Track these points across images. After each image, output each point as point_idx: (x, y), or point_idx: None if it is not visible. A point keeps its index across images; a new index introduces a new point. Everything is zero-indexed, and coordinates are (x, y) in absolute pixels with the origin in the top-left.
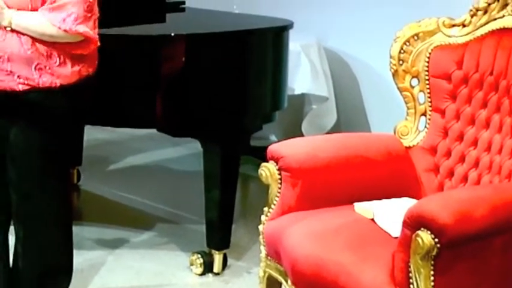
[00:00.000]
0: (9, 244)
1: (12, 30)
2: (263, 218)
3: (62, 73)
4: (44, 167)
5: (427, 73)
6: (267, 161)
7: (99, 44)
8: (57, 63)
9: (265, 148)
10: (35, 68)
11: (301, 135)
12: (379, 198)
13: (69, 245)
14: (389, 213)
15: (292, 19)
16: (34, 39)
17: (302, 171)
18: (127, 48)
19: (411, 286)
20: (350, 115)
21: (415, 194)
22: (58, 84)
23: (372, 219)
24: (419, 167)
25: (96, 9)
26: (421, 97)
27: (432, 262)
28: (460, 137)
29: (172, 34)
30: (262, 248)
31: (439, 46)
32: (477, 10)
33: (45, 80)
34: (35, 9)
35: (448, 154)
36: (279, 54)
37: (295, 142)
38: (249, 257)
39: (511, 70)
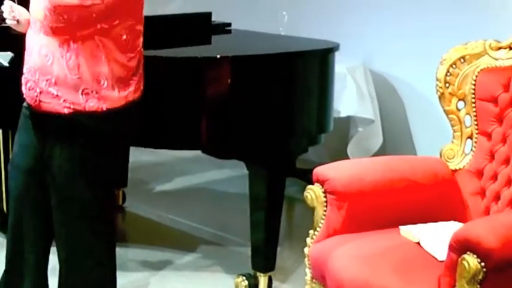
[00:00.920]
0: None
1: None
2: (308, 240)
3: (109, 97)
4: (85, 191)
5: (473, 96)
6: (313, 184)
7: (141, 64)
8: (104, 87)
9: (310, 171)
10: (82, 92)
11: (347, 157)
12: (425, 222)
13: (113, 266)
14: (435, 237)
15: (339, 41)
16: (79, 64)
17: (348, 194)
18: (173, 70)
19: None
20: (396, 138)
21: (461, 217)
22: (104, 109)
23: (418, 243)
24: (466, 191)
25: None
26: (468, 120)
27: (478, 286)
28: (507, 161)
29: (218, 56)
30: (307, 270)
31: (485, 69)
32: None
33: (91, 105)
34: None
35: (495, 177)
36: (325, 76)
37: (341, 165)
38: (294, 279)
39: None
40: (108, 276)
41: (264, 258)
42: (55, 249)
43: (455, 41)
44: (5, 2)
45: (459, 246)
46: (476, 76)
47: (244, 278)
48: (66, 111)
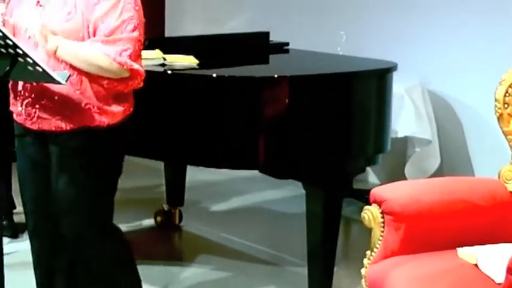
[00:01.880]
0: None
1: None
2: (365, 261)
3: (110, 112)
4: (90, 205)
5: None
6: (370, 204)
7: (141, 84)
8: (104, 103)
9: (368, 191)
10: (84, 107)
11: (404, 178)
12: (483, 244)
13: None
14: (493, 259)
15: (396, 61)
16: (82, 80)
17: (405, 215)
18: (230, 89)
19: None
20: (453, 159)
21: None
22: (106, 124)
23: (475, 265)
24: None
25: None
26: None
27: None
28: None
29: (276, 76)
30: None
31: None
32: None
33: (92, 119)
34: (84, 40)
35: None
36: (383, 96)
37: (399, 185)
38: None
39: None
40: None
41: (321, 279)
42: None
43: None
44: None
45: None
46: None
47: None
48: (68, 127)
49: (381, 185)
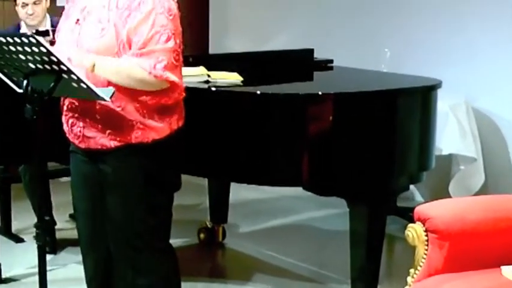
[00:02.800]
0: None
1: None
2: (409, 279)
3: (153, 128)
4: (142, 222)
5: None
6: (414, 222)
7: (184, 94)
8: (147, 117)
9: (412, 209)
10: (126, 124)
11: (449, 196)
12: None
13: None
14: None
15: (441, 78)
16: (123, 96)
17: (449, 233)
18: (274, 106)
19: None
20: (498, 176)
21: None
22: (150, 139)
23: None
24: None
25: (181, 58)
26: None
27: None
28: None
29: (320, 93)
30: None
31: None
32: None
33: (137, 136)
34: (119, 56)
35: None
36: (427, 113)
37: (443, 203)
38: None
39: None
40: None
41: None
42: None
43: None
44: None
45: None
46: None
47: None
48: (112, 144)
49: (425, 202)
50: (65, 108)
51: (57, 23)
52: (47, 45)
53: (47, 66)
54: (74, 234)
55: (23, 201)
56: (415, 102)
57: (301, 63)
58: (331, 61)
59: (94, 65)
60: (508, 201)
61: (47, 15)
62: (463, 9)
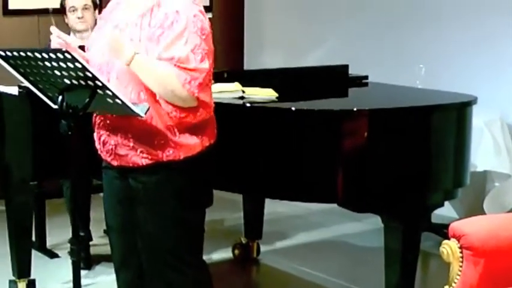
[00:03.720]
0: None
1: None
2: None
3: (184, 145)
4: (174, 239)
5: None
6: (449, 239)
7: (212, 113)
8: (178, 135)
9: (446, 225)
10: (157, 141)
11: (483, 213)
12: None
13: None
14: None
15: (476, 94)
16: (152, 114)
17: (484, 250)
18: (310, 122)
19: None
20: None
21: None
22: (182, 157)
23: None
24: None
25: (211, 77)
26: None
27: None
28: None
29: (355, 109)
30: None
31: None
32: None
33: (168, 154)
34: None
35: None
36: (462, 130)
37: (478, 220)
38: None
39: None
40: None
41: None
42: None
43: None
44: (51, 30)
45: None
46: None
47: None
48: (144, 162)
49: (459, 219)
50: (96, 125)
51: None
52: (82, 60)
53: (82, 82)
54: (108, 249)
55: (58, 217)
56: (450, 119)
57: (336, 79)
58: (366, 77)
59: (133, 57)
60: None
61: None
62: (498, 25)
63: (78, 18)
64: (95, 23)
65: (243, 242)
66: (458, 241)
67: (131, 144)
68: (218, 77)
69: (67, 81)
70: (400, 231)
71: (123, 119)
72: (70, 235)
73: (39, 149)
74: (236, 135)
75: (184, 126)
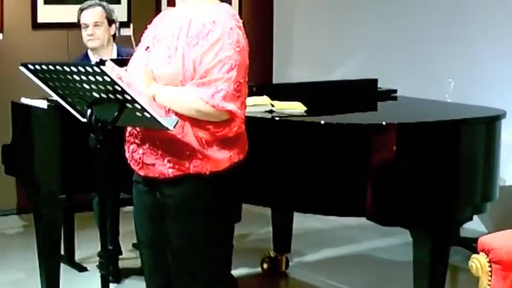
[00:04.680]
0: None
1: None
2: None
3: (212, 159)
4: (202, 253)
5: None
6: (478, 253)
7: (243, 126)
8: (207, 148)
9: (475, 240)
10: (185, 153)
11: None
12: None
13: None
14: None
15: (505, 108)
16: (185, 125)
17: None
18: (338, 136)
19: None
20: None
21: None
22: (208, 171)
23: None
24: None
25: (245, 90)
26: None
27: None
28: None
29: (384, 123)
30: None
31: None
32: None
33: (195, 166)
34: (183, 84)
35: None
36: (491, 144)
37: (507, 234)
38: None
39: None
40: None
41: None
42: None
43: None
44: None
45: None
46: None
47: None
48: (170, 172)
49: (488, 233)
50: (127, 134)
51: (125, 53)
52: (111, 74)
53: (111, 95)
54: (137, 263)
55: (87, 230)
56: (479, 133)
57: (365, 93)
58: (395, 91)
59: (154, 95)
60: None
61: (114, 45)
62: None
63: (89, 35)
64: (113, 39)
65: (272, 255)
66: (487, 255)
67: (159, 153)
68: (247, 91)
69: (96, 94)
70: (429, 245)
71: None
72: (99, 248)
73: (67, 163)
74: (265, 149)
75: (214, 140)
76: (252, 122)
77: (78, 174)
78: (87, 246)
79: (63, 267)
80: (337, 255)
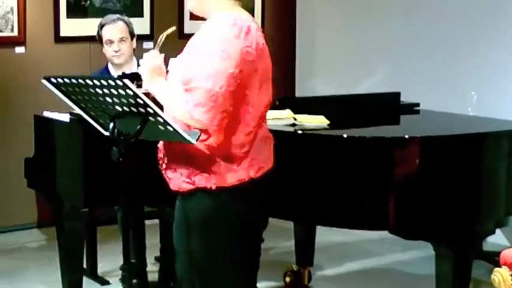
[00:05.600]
0: None
1: None
2: None
3: (217, 174)
4: (222, 268)
5: None
6: (500, 266)
7: (221, 139)
8: (212, 163)
9: (497, 253)
10: (194, 165)
11: None
12: None
13: None
14: None
15: None
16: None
17: None
18: (361, 149)
19: None
20: None
21: None
22: (214, 187)
23: None
24: None
25: (226, 103)
26: None
27: None
28: None
29: (407, 136)
30: None
31: None
32: None
33: (200, 179)
34: None
35: None
36: None
37: None
38: None
39: None
40: None
41: None
42: None
43: None
44: (151, 52)
45: None
46: None
47: None
48: (184, 186)
49: (511, 247)
50: (158, 149)
51: None
52: (134, 87)
53: (134, 109)
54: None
55: (110, 243)
56: (502, 146)
57: (387, 106)
58: (418, 104)
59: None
60: None
61: (134, 58)
62: None
63: (115, 51)
64: (134, 53)
65: (294, 269)
66: (510, 269)
67: (174, 167)
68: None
69: (118, 108)
70: (451, 259)
71: (169, 142)
72: (122, 262)
73: (90, 176)
74: (288, 162)
75: (223, 155)
76: (275, 135)
77: (100, 188)
78: (110, 259)
79: (86, 281)
80: (360, 268)
